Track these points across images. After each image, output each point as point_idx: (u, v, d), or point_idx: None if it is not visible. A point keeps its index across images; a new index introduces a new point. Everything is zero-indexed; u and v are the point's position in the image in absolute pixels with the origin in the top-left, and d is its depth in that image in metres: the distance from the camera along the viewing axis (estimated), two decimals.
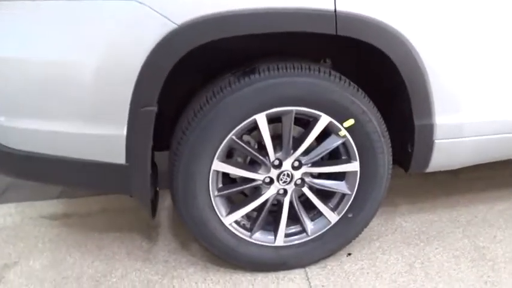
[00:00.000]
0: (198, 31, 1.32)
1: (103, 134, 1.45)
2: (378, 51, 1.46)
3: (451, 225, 2.01)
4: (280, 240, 1.69)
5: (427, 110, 1.57)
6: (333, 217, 1.69)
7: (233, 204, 1.67)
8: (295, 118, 1.55)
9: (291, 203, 1.68)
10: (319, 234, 1.71)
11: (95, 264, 1.86)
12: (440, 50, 1.50)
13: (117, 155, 1.48)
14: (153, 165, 1.74)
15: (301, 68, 1.48)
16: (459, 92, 1.57)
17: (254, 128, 1.55)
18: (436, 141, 1.63)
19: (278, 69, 1.47)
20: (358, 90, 1.54)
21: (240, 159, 1.69)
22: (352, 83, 1.54)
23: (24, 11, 1.33)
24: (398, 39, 1.44)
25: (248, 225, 1.70)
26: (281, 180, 1.62)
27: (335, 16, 1.37)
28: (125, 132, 1.44)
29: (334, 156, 1.69)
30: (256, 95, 1.46)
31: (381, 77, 1.67)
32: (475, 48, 1.54)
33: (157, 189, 1.77)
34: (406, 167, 1.73)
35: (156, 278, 1.76)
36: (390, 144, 1.64)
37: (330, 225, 1.71)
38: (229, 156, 1.67)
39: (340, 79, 1.51)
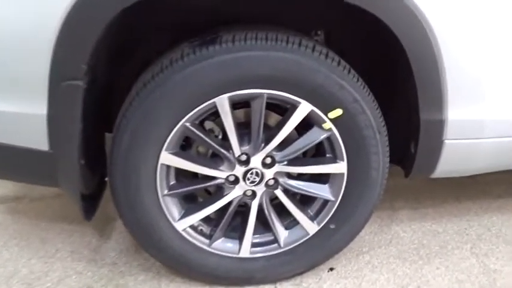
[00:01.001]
0: None
1: (20, 112, 1.14)
2: (374, 20, 1.12)
3: (458, 240, 1.68)
4: (245, 251, 1.38)
5: (437, 101, 1.22)
6: (312, 227, 1.37)
7: (189, 206, 1.36)
8: (272, 104, 1.23)
9: (260, 206, 1.36)
10: (294, 247, 1.40)
11: (32, 262, 1.58)
12: (460, 22, 1.14)
13: (39, 140, 1.17)
14: (101, 152, 1.44)
15: (276, 40, 1.13)
16: (482, 79, 1.22)
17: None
18: (446, 141, 1.29)
19: (245, 39, 1.13)
20: (349, 72, 1.20)
21: (201, 150, 1.37)
22: (342, 62, 1.19)
23: None
24: (405, 6, 1.08)
25: (207, 231, 1.39)
26: (248, 179, 1.30)
27: None
28: (45, 111, 1.13)
29: (317, 153, 1.37)
30: (216, 72, 1.13)
31: (379, 54, 1.32)
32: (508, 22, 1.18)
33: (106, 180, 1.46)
34: (407, 170, 1.40)
35: (99, 285, 1.47)
36: (387, 143, 1.30)
37: (308, 237, 1.39)
38: (189, 146, 1.36)
39: (326, 56, 1.17)
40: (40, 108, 1.12)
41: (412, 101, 1.23)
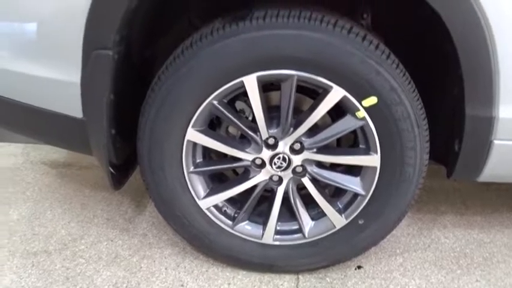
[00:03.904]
0: None
1: (56, 79, 1.18)
2: (419, 3, 1.02)
3: (506, 253, 1.53)
4: (269, 237, 1.35)
5: (487, 95, 1.10)
6: (339, 221, 1.31)
7: (215, 185, 1.34)
8: (308, 88, 1.17)
9: (287, 193, 1.32)
10: (319, 239, 1.34)
11: (70, 225, 1.66)
12: None
13: (73, 107, 1.21)
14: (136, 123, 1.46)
15: (309, 19, 1.07)
16: None
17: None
18: (495, 141, 1.16)
19: (277, 17, 1.08)
20: (388, 57, 1.11)
21: (231, 131, 1.35)
22: (381, 46, 1.11)
23: None
24: None
25: (232, 213, 1.37)
26: (275, 164, 1.26)
27: None
28: (79, 79, 1.16)
29: (354, 144, 1.29)
30: (244, 50, 1.10)
31: (424, 41, 1.21)
32: None
33: None
34: (449, 170, 1.28)
35: (126, 254, 1.52)
36: (428, 138, 1.20)
37: (334, 230, 1.33)
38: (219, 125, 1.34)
39: (363, 39, 1.09)
40: (74, 76, 1.16)
41: (458, 93, 1.12)
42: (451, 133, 1.23)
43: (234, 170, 1.44)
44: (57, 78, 1.18)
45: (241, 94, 1.22)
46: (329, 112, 1.21)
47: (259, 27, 1.08)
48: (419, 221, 1.67)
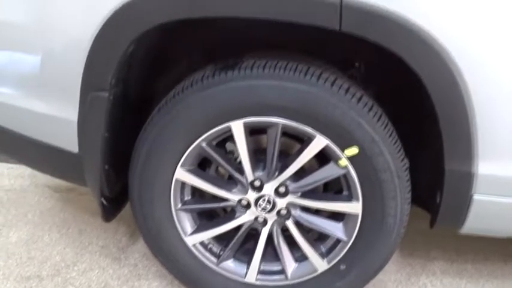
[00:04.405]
0: (154, 6, 1.04)
1: (56, 116, 1.25)
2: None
3: None
4: (252, 277, 1.37)
5: (466, 151, 1.12)
6: (321, 265, 1.33)
7: (202, 222, 1.38)
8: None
9: (271, 234, 1.35)
10: (302, 281, 1.36)
11: (66, 250, 1.71)
12: (496, 65, 1.04)
13: (70, 142, 1.27)
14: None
15: (294, 71, 1.12)
16: None
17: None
18: (475, 197, 1.17)
19: (264, 67, 1.13)
20: (370, 110, 1.15)
21: (221, 171, 1.39)
22: (364, 99, 1.15)
23: None
24: (429, 46, 1.01)
25: (217, 251, 1.40)
26: (260, 206, 1.29)
27: (340, 5, 0.99)
28: (76, 117, 1.22)
29: (335, 189, 1.32)
30: (232, 97, 1.15)
31: (408, 93, 1.25)
32: None
33: None
34: (432, 220, 1.30)
35: (115, 284, 1.55)
36: (409, 189, 1.22)
37: (317, 274, 1.34)
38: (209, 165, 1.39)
39: (346, 92, 1.13)
40: (72, 114, 1.22)
41: (438, 147, 1.15)
42: (434, 184, 1.25)
43: (223, 208, 1.47)
44: (56, 115, 1.25)
45: (231, 136, 1.27)
46: (317, 157, 1.25)
47: (246, 77, 1.13)
48: (408, 266, 1.66)
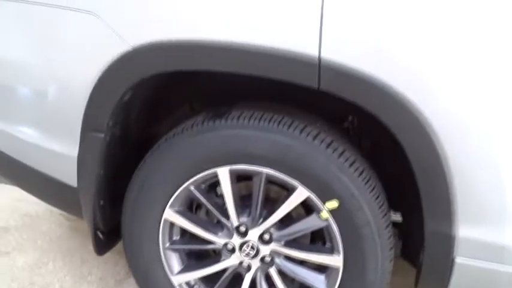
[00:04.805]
0: (151, 58, 1.12)
1: (59, 151, 1.34)
2: None
3: None
4: None
5: (446, 213, 1.11)
6: None
7: (189, 263, 1.41)
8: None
9: (255, 280, 1.36)
10: None
11: (66, 279, 1.77)
12: (475, 131, 1.04)
13: (70, 177, 1.35)
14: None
15: (279, 123, 1.17)
16: (503, 198, 1.08)
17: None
18: (457, 260, 1.15)
19: (250, 118, 1.18)
20: (352, 165, 1.16)
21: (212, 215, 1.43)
22: (346, 154, 1.17)
23: None
24: (404, 108, 1.03)
25: None
26: (244, 251, 1.31)
27: (319, 65, 1.04)
28: (76, 154, 1.30)
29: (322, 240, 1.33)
30: (218, 145, 1.20)
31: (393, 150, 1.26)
32: None
33: None
34: (416, 280, 1.27)
35: None
36: (391, 246, 1.22)
37: None
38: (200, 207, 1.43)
39: (328, 146, 1.16)
40: (73, 150, 1.31)
41: (417, 208, 1.14)
42: (419, 244, 1.24)
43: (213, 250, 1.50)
44: (58, 151, 1.34)
45: None
46: (305, 206, 1.27)
47: (232, 126, 1.19)
48: None
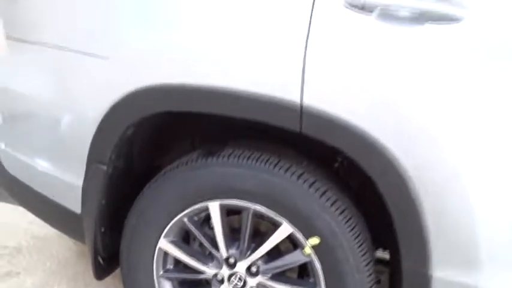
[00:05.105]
0: (149, 99, 1.23)
1: (67, 180, 1.46)
2: None
3: None
4: None
5: (422, 253, 1.16)
6: None
7: None
8: None
9: None
10: None
11: None
12: (446, 173, 1.10)
13: (75, 204, 1.46)
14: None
15: (266, 162, 1.25)
16: (475, 236, 1.13)
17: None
18: None
19: (239, 157, 1.28)
20: (333, 204, 1.23)
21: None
22: (328, 194, 1.24)
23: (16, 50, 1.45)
24: (380, 153, 1.11)
25: None
26: (232, 282, 1.38)
27: (300, 111, 1.13)
28: (81, 183, 1.41)
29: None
30: (209, 181, 1.29)
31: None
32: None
33: None
34: None
35: None
36: (371, 283, 1.26)
37: None
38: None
39: (310, 186, 1.23)
40: (79, 180, 1.42)
41: (394, 247, 1.20)
42: (397, 277, 1.28)
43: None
44: (66, 180, 1.45)
45: None
46: (291, 241, 1.34)
47: (223, 164, 1.28)
48: None
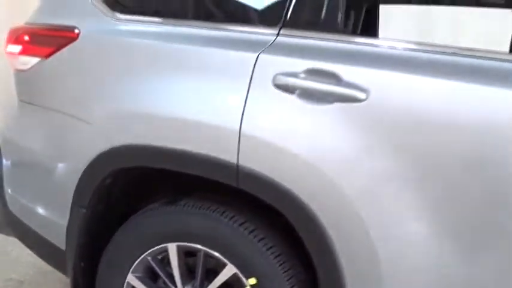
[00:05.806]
0: (116, 156, 1.52)
1: (55, 221, 1.73)
2: None
3: None
4: None
5: None
6: None
7: None
8: None
9: None
10: None
11: None
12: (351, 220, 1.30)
13: (61, 241, 1.72)
14: None
15: (213, 211, 1.49)
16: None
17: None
18: None
19: (192, 207, 1.52)
20: (269, 249, 1.45)
21: None
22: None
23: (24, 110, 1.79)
24: (303, 209, 1.33)
25: None
26: None
27: (237, 169, 1.37)
28: (66, 223, 1.68)
29: None
30: (168, 225, 1.54)
31: None
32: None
33: None
34: None
35: None
36: None
37: None
38: None
39: (250, 232, 1.46)
40: (64, 220, 1.68)
41: None
42: None
43: None
44: (54, 219, 1.72)
45: None
46: None
47: (179, 212, 1.53)
48: None
